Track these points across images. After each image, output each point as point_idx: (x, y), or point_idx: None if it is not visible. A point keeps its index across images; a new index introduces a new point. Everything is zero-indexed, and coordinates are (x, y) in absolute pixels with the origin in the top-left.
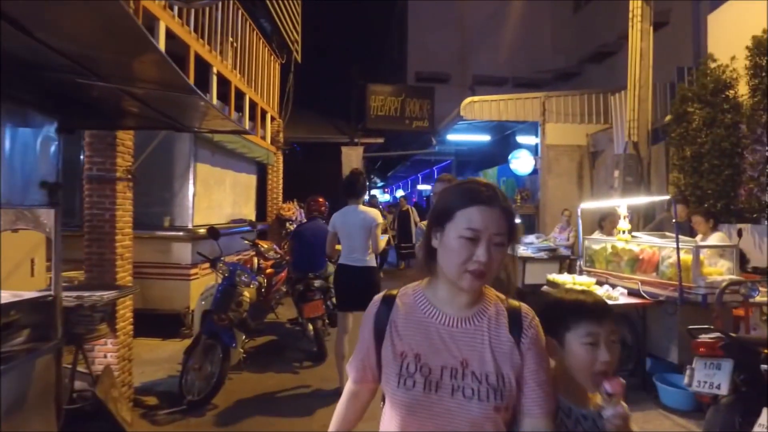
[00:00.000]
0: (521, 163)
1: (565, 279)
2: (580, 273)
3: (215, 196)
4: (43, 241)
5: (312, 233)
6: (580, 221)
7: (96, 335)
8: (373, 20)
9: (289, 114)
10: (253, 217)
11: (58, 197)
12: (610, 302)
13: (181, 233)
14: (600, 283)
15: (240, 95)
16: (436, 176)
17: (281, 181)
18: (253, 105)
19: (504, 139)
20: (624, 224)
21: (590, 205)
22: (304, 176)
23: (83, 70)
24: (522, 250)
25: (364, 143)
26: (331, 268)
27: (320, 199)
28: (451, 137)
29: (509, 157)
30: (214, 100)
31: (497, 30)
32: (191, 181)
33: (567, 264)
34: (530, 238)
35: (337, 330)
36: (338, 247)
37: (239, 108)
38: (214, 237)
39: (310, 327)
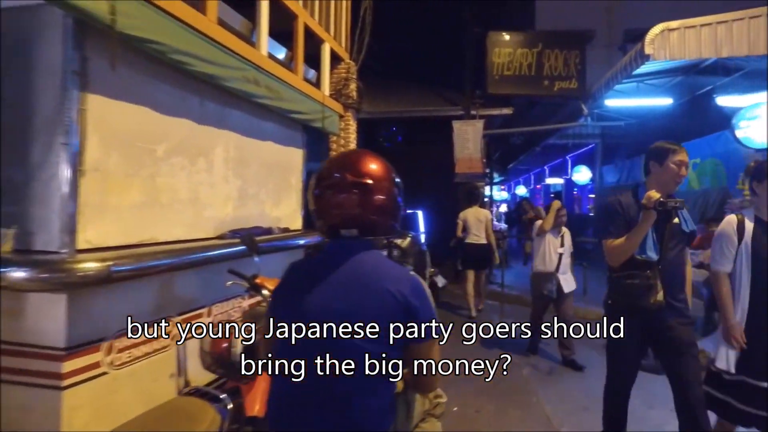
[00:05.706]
0: (757, 130)
1: None
2: None
3: (171, 179)
4: None
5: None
6: None
7: None
8: None
9: (366, 71)
10: (297, 222)
11: None
12: None
13: (42, 273)
14: None
15: None
16: (571, 167)
17: None
18: (287, 17)
19: (693, 102)
20: None
21: None
22: (398, 163)
23: None
24: None
25: (484, 116)
26: None
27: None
28: (612, 102)
29: (734, 121)
30: None
31: None
32: (73, 139)
33: None
34: None
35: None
36: None
37: (250, 16)
38: None
39: None
